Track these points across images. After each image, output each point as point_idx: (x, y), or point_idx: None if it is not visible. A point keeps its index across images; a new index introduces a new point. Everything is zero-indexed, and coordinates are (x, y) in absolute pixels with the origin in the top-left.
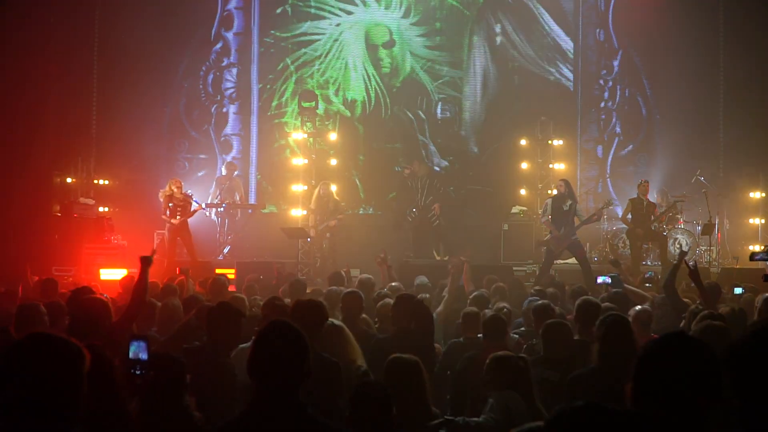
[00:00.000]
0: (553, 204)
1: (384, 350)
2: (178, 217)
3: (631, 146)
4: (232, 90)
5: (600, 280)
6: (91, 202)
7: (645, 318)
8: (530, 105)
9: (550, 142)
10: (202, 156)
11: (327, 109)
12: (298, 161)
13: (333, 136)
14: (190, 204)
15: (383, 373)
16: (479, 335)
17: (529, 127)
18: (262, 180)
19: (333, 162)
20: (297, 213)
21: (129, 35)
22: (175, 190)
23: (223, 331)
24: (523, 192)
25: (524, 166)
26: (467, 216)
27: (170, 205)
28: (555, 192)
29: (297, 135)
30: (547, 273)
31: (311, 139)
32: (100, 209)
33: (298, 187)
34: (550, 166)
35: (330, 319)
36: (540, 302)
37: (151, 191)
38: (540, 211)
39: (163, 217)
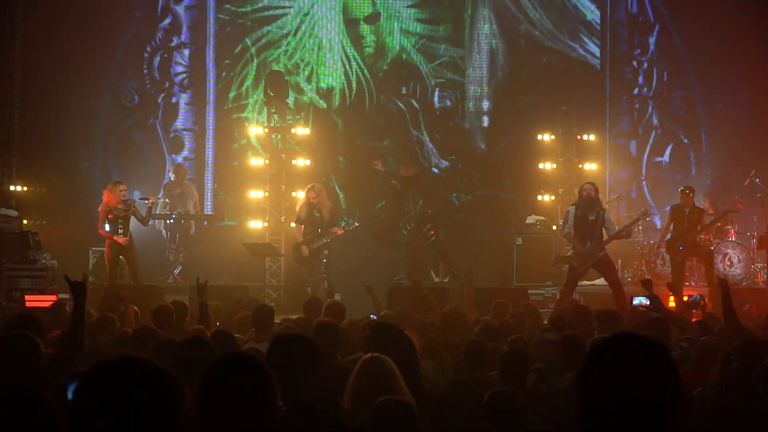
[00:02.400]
0: (576, 213)
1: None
2: (120, 232)
3: (672, 144)
4: (183, 76)
5: (636, 301)
6: (14, 213)
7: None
8: (549, 91)
9: (573, 136)
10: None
11: (297, 100)
12: (257, 161)
13: (304, 133)
14: (134, 211)
15: (371, 419)
16: (491, 373)
17: (548, 118)
18: (219, 190)
19: (305, 163)
20: (256, 225)
21: (56, 10)
22: (121, 197)
23: (196, 372)
24: (540, 198)
25: (542, 166)
26: (473, 228)
27: (110, 217)
28: (579, 198)
29: (259, 130)
30: (570, 296)
31: (277, 135)
32: (24, 222)
33: (258, 194)
34: (573, 166)
35: None
36: (570, 333)
37: (85, 200)
38: (560, 222)
39: (101, 232)
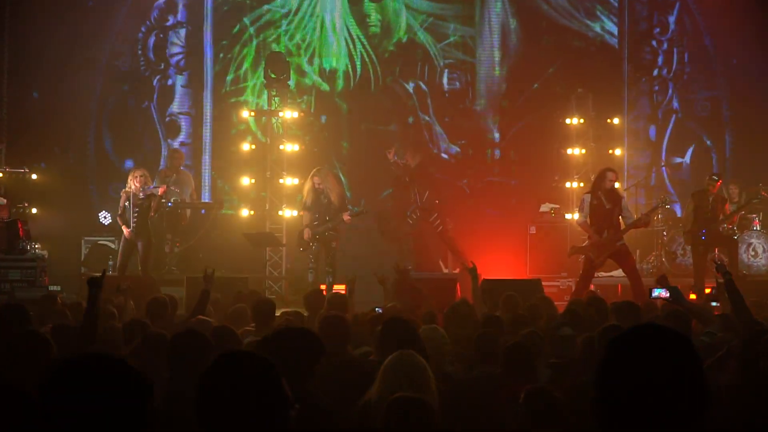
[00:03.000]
0: (592, 200)
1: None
2: (133, 224)
3: (693, 146)
4: (179, 57)
5: (655, 293)
6: (1, 201)
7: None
8: (564, 72)
9: (589, 120)
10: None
11: (299, 83)
12: (257, 147)
13: (306, 117)
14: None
15: (383, 416)
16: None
17: (563, 101)
18: (218, 177)
19: (308, 149)
20: (251, 213)
21: None
22: (134, 185)
23: (191, 369)
24: (555, 185)
25: (556, 151)
26: (484, 217)
27: (126, 205)
28: (595, 184)
29: (260, 115)
30: (587, 288)
31: (278, 119)
32: (13, 210)
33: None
34: (589, 151)
35: None
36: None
37: (77, 187)
38: (576, 210)
39: (120, 219)
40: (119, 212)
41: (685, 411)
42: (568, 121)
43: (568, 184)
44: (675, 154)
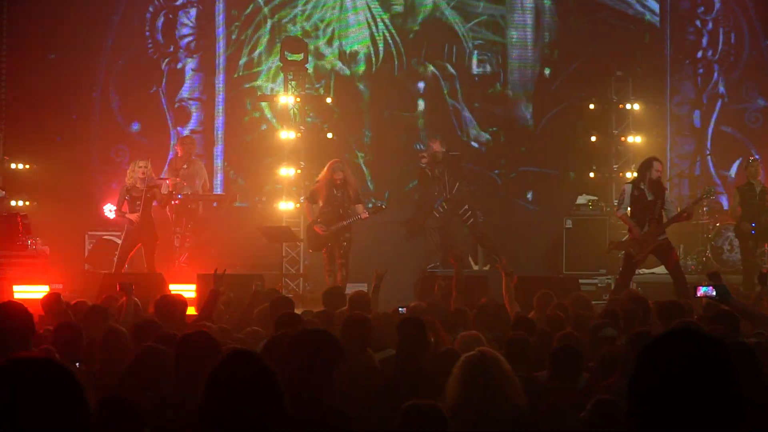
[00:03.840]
0: (633, 192)
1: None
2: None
3: (740, 159)
4: (189, 39)
5: (701, 291)
6: (1, 193)
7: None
8: (602, 54)
9: (628, 105)
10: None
11: (317, 66)
12: (287, 134)
13: (325, 103)
14: (154, 193)
15: (398, 425)
16: (537, 373)
17: (601, 84)
18: (230, 167)
19: (327, 137)
20: (285, 206)
21: None
22: (139, 175)
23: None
24: (592, 175)
25: (594, 138)
26: (516, 209)
27: (127, 198)
28: (636, 175)
29: (275, 101)
30: (626, 286)
31: (295, 105)
32: (13, 203)
33: (286, 171)
34: (630, 139)
35: None
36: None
37: (80, 179)
38: (615, 202)
39: (117, 213)
40: (117, 207)
41: (719, 423)
42: (606, 106)
43: (606, 175)
44: (722, 167)
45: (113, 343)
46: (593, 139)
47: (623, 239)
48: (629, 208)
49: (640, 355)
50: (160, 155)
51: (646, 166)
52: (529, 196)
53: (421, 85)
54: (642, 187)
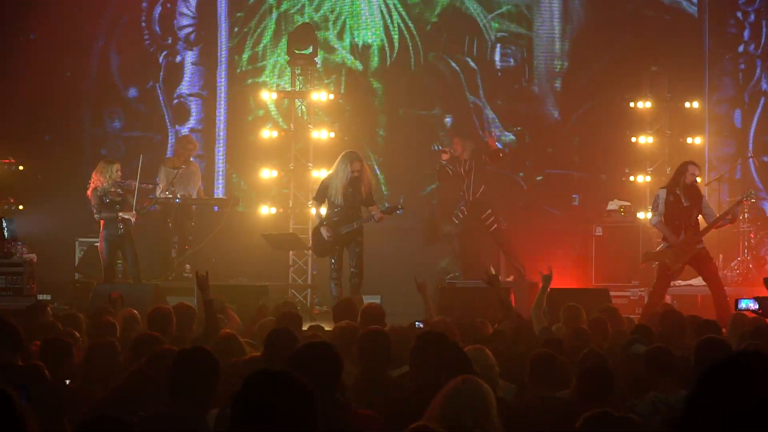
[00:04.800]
0: (668, 197)
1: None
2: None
3: None
4: (189, 29)
5: (742, 305)
6: None
7: None
8: (635, 47)
9: (665, 103)
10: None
11: (327, 60)
12: (278, 135)
13: (335, 100)
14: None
15: None
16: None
17: (634, 80)
18: (232, 169)
19: (337, 137)
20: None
21: None
22: (108, 180)
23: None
24: (625, 179)
25: (626, 139)
26: (542, 215)
27: (106, 201)
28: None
29: (282, 97)
30: (661, 299)
31: (303, 103)
32: None
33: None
34: (664, 139)
35: None
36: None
37: (70, 180)
38: (650, 209)
39: (96, 216)
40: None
41: None
42: (640, 104)
43: (640, 178)
44: (765, 148)
45: (99, 358)
46: (626, 139)
47: (659, 249)
48: (664, 215)
49: (703, 375)
50: (159, 154)
51: (681, 171)
52: (575, 198)
53: (448, 120)
54: (677, 192)
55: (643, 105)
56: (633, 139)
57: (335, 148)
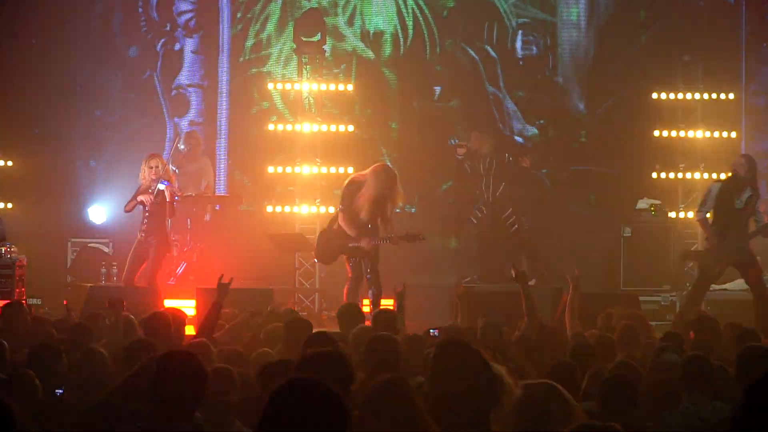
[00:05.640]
0: (720, 194)
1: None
2: (143, 226)
3: None
4: (189, 15)
5: None
6: None
7: None
8: (666, 35)
9: (697, 95)
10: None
11: (336, 49)
12: (300, 128)
13: (345, 91)
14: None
15: None
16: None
17: (665, 70)
18: (235, 165)
19: (347, 131)
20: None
21: None
22: (151, 176)
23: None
24: (656, 175)
25: (657, 133)
26: (567, 215)
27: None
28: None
29: (286, 88)
30: (698, 304)
31: (310, 94)
32: None
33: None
34: (698, 133)
35: None
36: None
37: (62, 178)
38: (681, 207)
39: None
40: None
41: None
42: (671, 96)
43: (672, 175)
44: None
45: (88, 367)
46: (656, 133)
47: (699, 249)
48: (712, 212)
49: (749, 389)
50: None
51: (733, 166)
52: (590, 198)
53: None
54: (731, 187)
55: (675, 97)
56: (664, 133)
57: (345, 142)
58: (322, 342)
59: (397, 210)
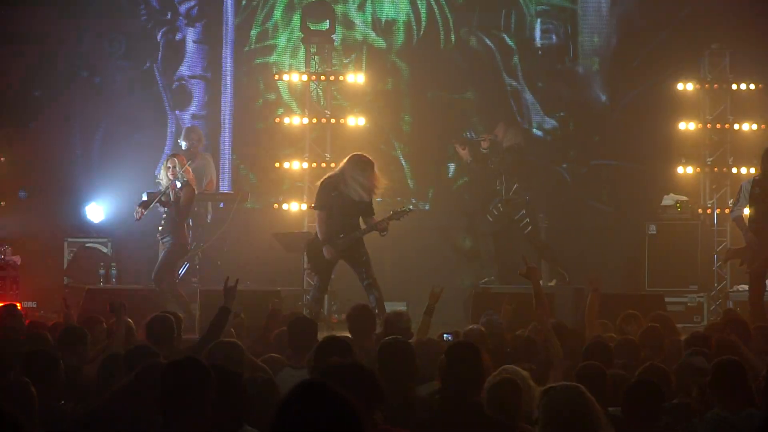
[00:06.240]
0: (753, 190)
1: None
2: (160, 227)
3: None
4: (191, 4)
5: None
6: None
7: None
8: (693, 23)
9: (726, 85)
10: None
11: (346, 37)
12: (308, 121)
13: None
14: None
15: None
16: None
17: (692, 60)
18: (240, 160)
19: (358, 123)
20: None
21: None
22: (168, 175)
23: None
24: (682, 170)
25: (683, 126)
26: (589, 212)
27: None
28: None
29: (293, 79)
30: (758, 303)
31: (318, 85)
32: None
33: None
34: (727, 126)
35: None
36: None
37: (57, 174)
38: (709, 204)
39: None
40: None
41: None
42: (698, 86)
43: (698, 170)
44: None
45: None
46: (682, 126)
47: (729, 246)
48: (748, 209)
49: None
50: (156, 145)
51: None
52: (603, 194)
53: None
54: (765, 184)
55: (702, 87)
56: (691, 126)
57: (355, 135)
58: (337, 349)
59: (408, 208)
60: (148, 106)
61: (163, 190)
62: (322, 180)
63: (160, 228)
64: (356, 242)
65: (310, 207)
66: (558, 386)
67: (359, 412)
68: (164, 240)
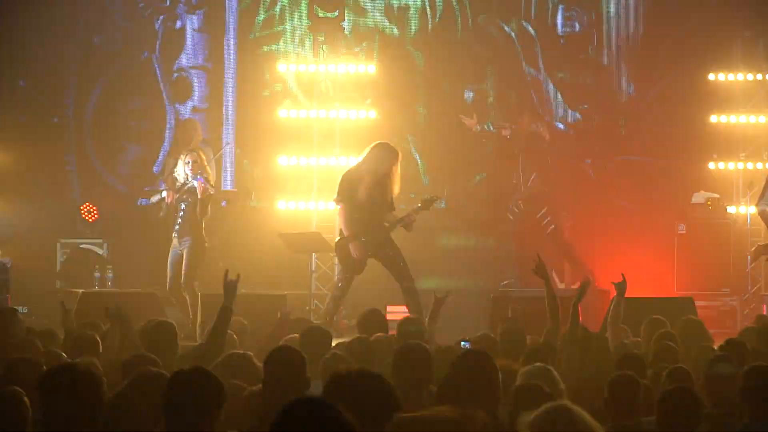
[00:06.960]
0: None
1: None
2: (177, 227)
3: None
4: None
5: None
6: None
7: None
8: (724, 10)
9: (759, 76)
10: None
11: (357, 25)
12: (316, 113)
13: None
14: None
15: None
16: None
17: (723, 49)
18: (244, 156)
19: (369, 116)
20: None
21: None
22: (186, 170)
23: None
24: (713, 165)
25: (715, 119)
26: (615, 210)
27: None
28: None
29: (300, 69)
30: None
31: (327, 76)
32: None
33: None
34: (761, 119)
35: None
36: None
37: (51, 172)
38: (742, 201)
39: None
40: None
41: None
42: (730, 77)
43: (731, 165)
44: None
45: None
46: (714, 119)
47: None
48: None
49: None
50: (154, 140)
51: None
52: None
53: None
54: None
55: (735, 78)
56: (722, 119)
57: (366, 129)
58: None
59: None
60: (146, 98)
61: (181, 183)
62: (346, 171)
63: (176, 227)
64: (385, 239)
65: (333, 200)
66: (546, 409)
67: (354, 429)
68: (183, 240)
